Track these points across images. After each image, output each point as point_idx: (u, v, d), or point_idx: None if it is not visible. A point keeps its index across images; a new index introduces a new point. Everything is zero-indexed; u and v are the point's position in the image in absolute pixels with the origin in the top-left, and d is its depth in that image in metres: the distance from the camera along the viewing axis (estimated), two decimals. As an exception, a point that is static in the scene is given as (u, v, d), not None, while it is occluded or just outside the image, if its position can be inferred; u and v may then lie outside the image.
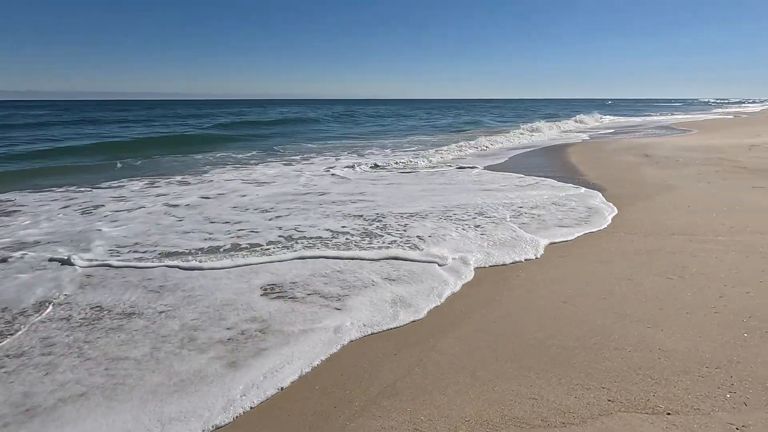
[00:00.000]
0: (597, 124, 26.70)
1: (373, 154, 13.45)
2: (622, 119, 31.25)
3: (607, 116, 32.61)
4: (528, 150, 13.49)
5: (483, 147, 14.09)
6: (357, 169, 10.11)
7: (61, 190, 8.12)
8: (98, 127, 24.66)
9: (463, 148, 13.51)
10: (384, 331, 2.99)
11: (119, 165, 11.46)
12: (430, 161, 11.20)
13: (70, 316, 3.25)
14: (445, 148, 13.74)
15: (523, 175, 8.52)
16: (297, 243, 4.78)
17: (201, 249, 4.67)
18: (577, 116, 27.85)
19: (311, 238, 4.95)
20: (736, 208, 5.49)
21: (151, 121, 29.78)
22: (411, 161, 11.10)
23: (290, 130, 23.87)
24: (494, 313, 3.17)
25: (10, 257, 4.51)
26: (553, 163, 10.31)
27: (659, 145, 12.24)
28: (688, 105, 68.90)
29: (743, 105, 60.61)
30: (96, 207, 6.72)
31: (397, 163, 10.86)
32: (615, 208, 5.79)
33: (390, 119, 33.82)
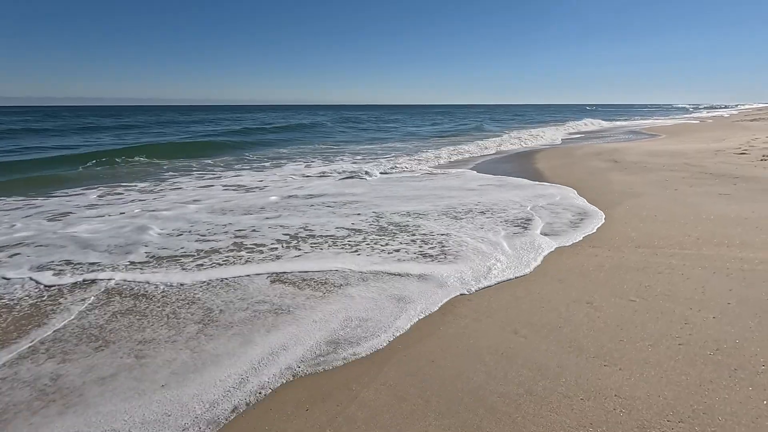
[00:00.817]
0: (595, 128, 27.13)
1: (366, 159, 13.05)
2: (621, 124, 31.63)
3: (604, 121, 33.06)
4: (501, 156, 13.29)
5: (463, 153, 13.91)
6: (356, 173, 9.72)
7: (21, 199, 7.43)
8: (71, 136, 23.29)
9: (443, 155, 13.28)
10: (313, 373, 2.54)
11: (84, 168, 10.68)
12: (410, 167, 10.86)
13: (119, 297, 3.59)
14: (424, 153, 13.53)
15: (477, 185, 8.22)
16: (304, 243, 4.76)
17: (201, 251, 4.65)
18: (585, 120, 28.82)
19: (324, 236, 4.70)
20: (702, 216, 5.26)
21: (136, 128, 28.63)
22: (396, 166, 10.95)
23: (295, 136, 23.11)
24: (433, 349, 2.74)
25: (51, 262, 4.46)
26: (520, 169, 10.06)
27: (628, 151, 12.19)
28: (665, 110, 70.82)
29: (713, 110, 62.52)
30: (64, 215, 6.15)
31: (393, 168, 10.67)
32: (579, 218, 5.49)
33: (370, 124, 33.47)
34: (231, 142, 19.36)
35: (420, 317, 3.15)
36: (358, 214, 6.07)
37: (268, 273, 3.98)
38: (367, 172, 9.85)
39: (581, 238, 4.76)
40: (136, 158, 13.26)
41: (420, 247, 4.59)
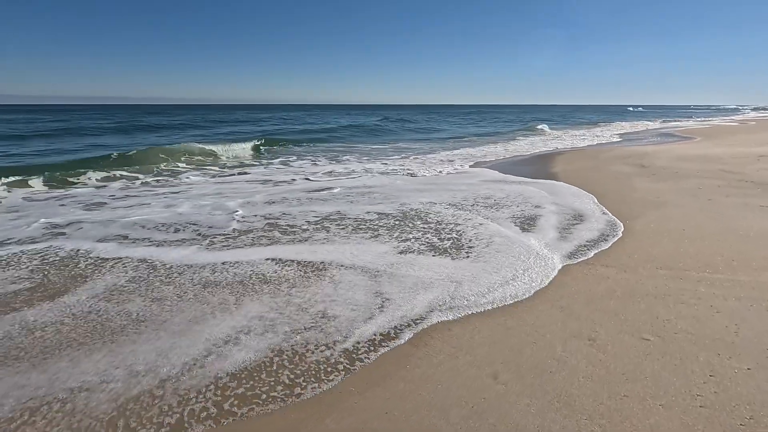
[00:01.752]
0: (644, 128, 26.06)
1: (377, 159, 12.67)
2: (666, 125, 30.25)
3: (648, 122, 31.73)
4: (522, 157, 12.59)
5: (482, 154, 13.38)
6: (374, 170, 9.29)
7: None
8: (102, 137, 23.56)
9: (458, 156, 12.71)
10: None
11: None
12: (432, 169, 10.39)
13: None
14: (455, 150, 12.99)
15: (495, 185, 7.62)
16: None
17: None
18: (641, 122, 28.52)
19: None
20: (739, 233, 4.56)
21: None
22: (410, 166, 10.48)
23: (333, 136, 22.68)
24: (391, 395, 2.26)
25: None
26: (537, 172, 9.38)
27: (658, 154, 11.26)
28: (714, 111, 67.24)
29: (762, 111, 58.55)
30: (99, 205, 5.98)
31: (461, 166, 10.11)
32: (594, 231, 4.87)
33: (418, 125, 32.82)
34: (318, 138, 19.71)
35: (386, 350, 2.68)
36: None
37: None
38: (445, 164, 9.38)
39: (592, 255, 4.16)
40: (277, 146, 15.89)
41: (435, 238, 4.12)
